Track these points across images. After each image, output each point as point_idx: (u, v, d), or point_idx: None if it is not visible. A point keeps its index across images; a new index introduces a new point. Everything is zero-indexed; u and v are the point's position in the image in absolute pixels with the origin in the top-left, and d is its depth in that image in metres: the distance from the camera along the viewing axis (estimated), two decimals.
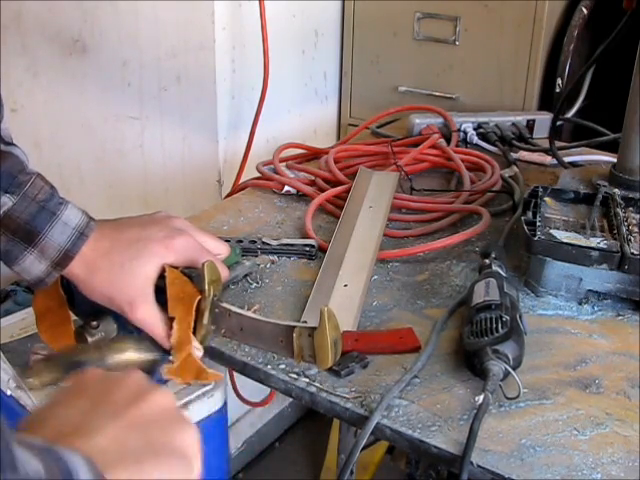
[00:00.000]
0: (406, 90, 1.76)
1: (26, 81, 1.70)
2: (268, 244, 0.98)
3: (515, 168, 1.25)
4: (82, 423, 0.47)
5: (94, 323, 0.82)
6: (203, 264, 0.78)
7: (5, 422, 0.38)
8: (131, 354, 0.77)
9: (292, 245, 0.98)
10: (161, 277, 0.78)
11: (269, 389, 0.72)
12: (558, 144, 1.26)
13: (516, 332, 0.72)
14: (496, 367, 0.69)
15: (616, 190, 1.00)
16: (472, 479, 0.63)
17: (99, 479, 0.41)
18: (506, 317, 0.73)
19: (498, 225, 1.04)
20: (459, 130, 1.38)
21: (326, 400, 0.72)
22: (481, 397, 0.66)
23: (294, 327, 0.76)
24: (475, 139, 1.38)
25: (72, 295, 0.83)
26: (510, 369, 0.69)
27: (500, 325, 0.72)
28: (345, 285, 0.88)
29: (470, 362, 0.73)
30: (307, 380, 0.74)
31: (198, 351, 0.78)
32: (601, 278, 0.85)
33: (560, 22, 1.60)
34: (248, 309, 0.85)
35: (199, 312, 0.78)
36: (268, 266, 0.95)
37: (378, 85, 1.82)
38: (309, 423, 2.11)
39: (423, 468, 1.49)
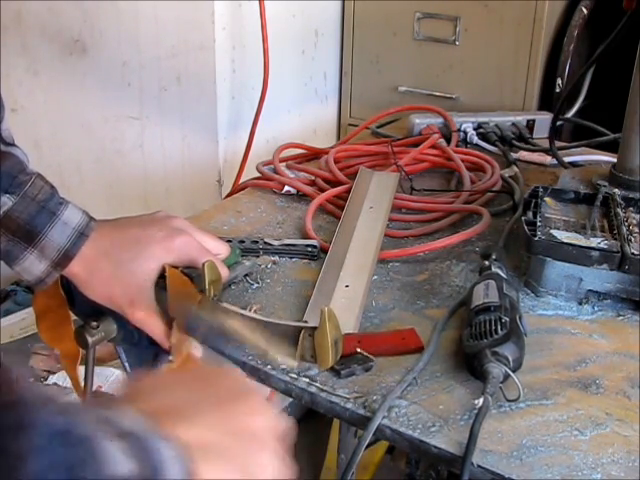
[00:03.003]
0: (406, 90, 1.77)
1: (26, 81, 1.70)
2: (270, 244, 0.98)
3: (515, 168, 1.25)
4: (183, 408, 0.47)
5: (94, 323, 0.82)
6: (203, 264, 0.78)
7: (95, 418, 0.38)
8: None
9: (294, 245, 0.98)
10: (161, 277, 0.78)
11: (269, 389, 0.72)
12: (558, 144, 1.26)
13: (515, 334, 0.72)
14: (496, 369, 0.69)
15: (616, 190, 1.00)
16: (472, 479, 0.63)
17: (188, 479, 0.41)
18: (505, 319, 0.73)
19: (498, 225, 1.03)
20: (459, 130, 1.37)
21: (326, 400, 0.72)
22: (481, 400, 0.66)
23: (298, 327, 0.76)
24: (475, 139, 1.38)
25: (72, 295, 0.83)
26: (510, 371, 0.69)
27: (499, 327, 0.72)
28: (346, 286, 0.88)
29: (470, 365, 0.72)
30: (307, 380, 0.74)
31: (197, 351, 0.78)
32: (601, 278, 0.85)
33: (560, 22, 1.60)
34: (249, 309, 0.85)
35: None
36: (269, 266, 0.95)
37: (378, 85, 1.82)
38: (309, 423, 2.11)
39: (423, 468, 1.49)
